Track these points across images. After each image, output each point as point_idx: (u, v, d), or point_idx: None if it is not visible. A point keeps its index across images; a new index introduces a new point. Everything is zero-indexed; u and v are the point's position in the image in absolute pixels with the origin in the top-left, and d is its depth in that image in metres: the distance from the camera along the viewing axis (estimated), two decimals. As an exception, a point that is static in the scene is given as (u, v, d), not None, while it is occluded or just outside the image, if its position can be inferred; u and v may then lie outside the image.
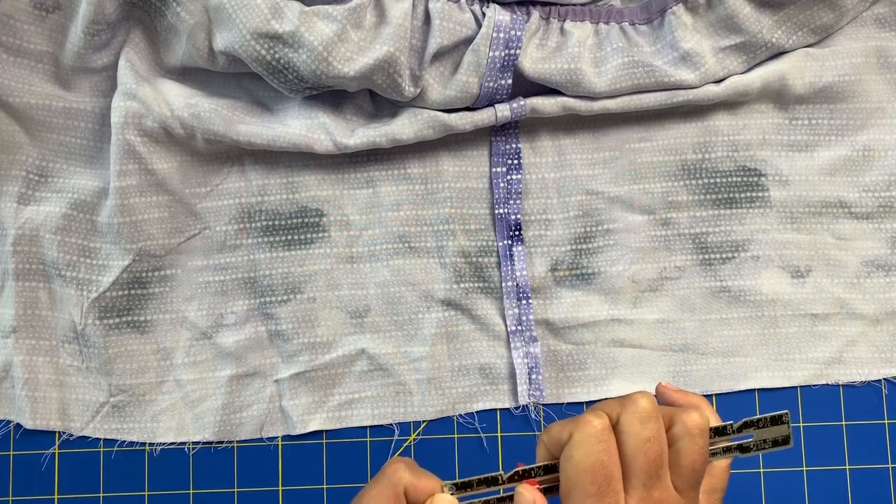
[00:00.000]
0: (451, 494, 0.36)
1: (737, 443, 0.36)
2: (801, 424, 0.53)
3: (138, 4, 0.49)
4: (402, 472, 0.36)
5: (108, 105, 0.50)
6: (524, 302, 0.53)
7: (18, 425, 0.52)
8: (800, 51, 0.52)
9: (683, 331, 0.54)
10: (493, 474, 0.36)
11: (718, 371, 0.53)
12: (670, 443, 0.34)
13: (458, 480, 0.36)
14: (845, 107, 0.53)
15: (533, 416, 0.53)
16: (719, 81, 0.51)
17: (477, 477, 0.36)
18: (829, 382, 0.53)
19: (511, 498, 0.36)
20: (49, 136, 0.51)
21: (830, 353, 0.53)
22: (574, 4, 0.50)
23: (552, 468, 0.35)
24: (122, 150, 0.49)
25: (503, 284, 0.53)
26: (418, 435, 0.53)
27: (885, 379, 0.53)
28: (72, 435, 0.52)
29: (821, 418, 0.53)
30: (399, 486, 0.36)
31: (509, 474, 0.36)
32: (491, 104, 0.50)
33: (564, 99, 0.50)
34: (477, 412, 0.53)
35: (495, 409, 0.53)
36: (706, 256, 0.54)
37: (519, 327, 0.53)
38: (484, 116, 0.50)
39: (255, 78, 0.50)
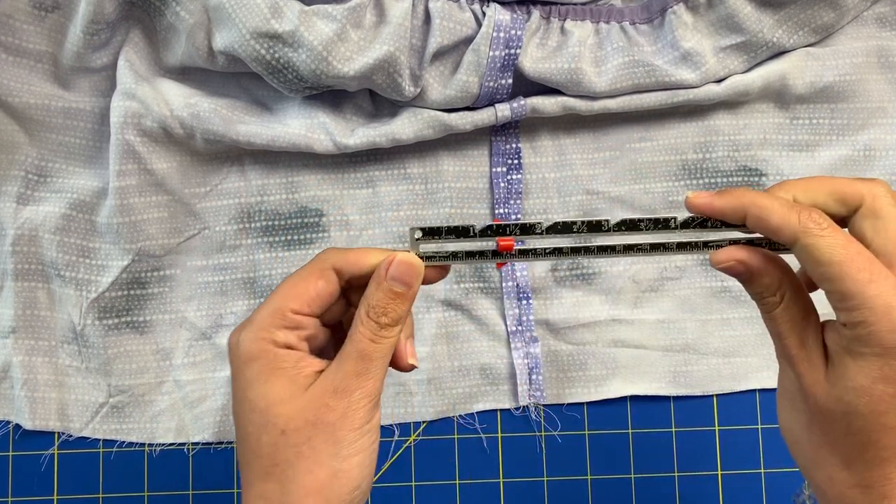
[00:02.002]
0: (417, 239, 0.35)
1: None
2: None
3: (138, 4, 0.49)
4: (328, 253, 0.35)
5: (107, 105, 0.50)
6: (524, 302, 0.53)
7: (18, 426, 0.51)
8: (800, 50, 0.52)
9: (684, 331, 0.53)
10: (465, 225, 0.35)
11: (719, 371, 0.53)
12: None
13: (425, 227, 0.35)
14: (846, 106, 0.53)
15: (533, 417, 0.53)
16: (720, 81, 0.51)
17: (446, 226, 0.35)
18: (831, 383, 0.53)
19: (483, 253, 0.36)
20: (48, 136, 0.51)
21: (831, 354, 0.53)
22: (574, 4, 0.50)
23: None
24: (122, 149, 0.49)
25: (503, 284, 0.53)
26: (418, 435, 0.52)
27: (886, 379, 0.53)
28: (71, 435, 0.52)
29: (822, 419, 0.53)
30: (325, 263, 0.35)
31: (482, 227, 0.35)
32: (491, 104, 0.50)
33: (565, 98, 0.50)
34: (477, 413, 0.53)
35: (495, 410, 0.53)
36: (707, 256, 0.53)
37: (519, 327, 0.53)
38: (484, 116, 0.50)
39: (255, 78, 0.50)
